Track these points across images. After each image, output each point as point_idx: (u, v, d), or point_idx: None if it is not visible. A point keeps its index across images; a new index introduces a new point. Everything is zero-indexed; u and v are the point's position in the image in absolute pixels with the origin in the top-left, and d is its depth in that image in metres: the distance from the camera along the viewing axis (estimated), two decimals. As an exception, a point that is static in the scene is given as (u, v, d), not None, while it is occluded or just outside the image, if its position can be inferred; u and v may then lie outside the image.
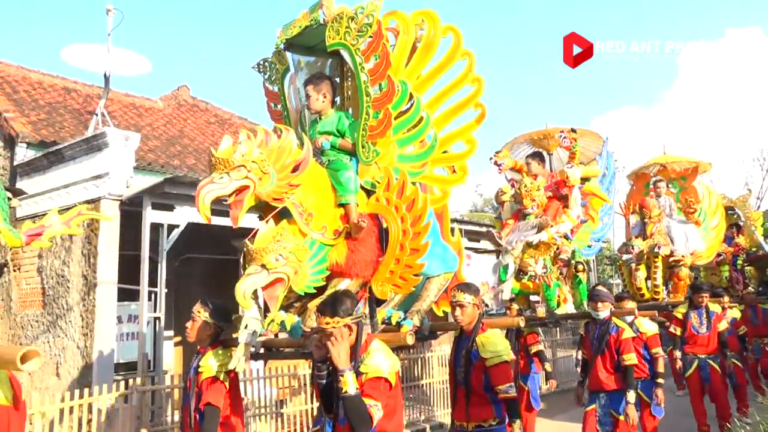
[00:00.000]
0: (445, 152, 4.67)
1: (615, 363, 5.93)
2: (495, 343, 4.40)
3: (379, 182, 4.47)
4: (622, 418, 5.80)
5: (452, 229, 5.52)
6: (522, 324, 4.96)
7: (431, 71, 4.63)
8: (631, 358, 5.87)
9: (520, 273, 6.99)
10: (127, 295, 9.23)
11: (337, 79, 4.99)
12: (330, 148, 4.61)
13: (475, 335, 4.48)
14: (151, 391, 7.28)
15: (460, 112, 4.60)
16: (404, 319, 4.56)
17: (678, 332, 8.44)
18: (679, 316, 8.54)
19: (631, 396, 5.78)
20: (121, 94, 14.58)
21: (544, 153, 8.24)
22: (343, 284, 4.27)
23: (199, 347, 4.47)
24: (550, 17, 63.07)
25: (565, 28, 63.22)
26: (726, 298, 9.47)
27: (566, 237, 7.25)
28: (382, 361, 3.32)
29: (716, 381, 8.18)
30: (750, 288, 10.86)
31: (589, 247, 8.23)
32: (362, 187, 4.54)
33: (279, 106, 5.02)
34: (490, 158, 7.86)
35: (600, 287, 6.23)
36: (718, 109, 52.44)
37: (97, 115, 11.00)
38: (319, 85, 4.68)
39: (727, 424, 8.02)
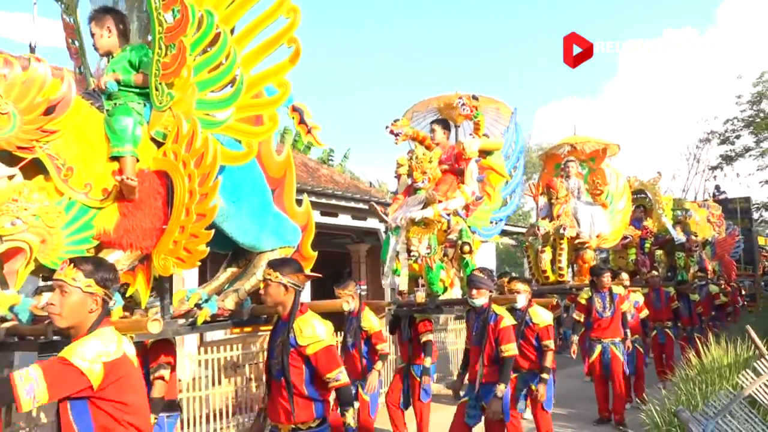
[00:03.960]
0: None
1: (495, 354, 4.92)
2: (312, 326, 3.35)
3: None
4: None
5: (299, 199, 4.45)
6: (346, 307, 3.91)
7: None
8: (509, 349, 4.85)
9: (407, 253, 5.93)
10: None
11: None
12: (120, 88, 3.47)
13: (292, 320, 3.42)
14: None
15: (271, 49, 3.47)
16: (207, 300, 3.49)
17: (581, 318, 7.53)
18: (583, 301, 7.63)
19: (500, 390, 4.78)
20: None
21: (453, 123, 7.11)
22: (112, 257, 3.14)
23: None
24: (498, 9, 61.42)
25: (509, 20, 61.68)
26: (624, 275, 8.58)
27: (457, 214, 6.19)
28: (81, 347, 2.29)
29: (616, 367, 7.31)
30: (654, 272, 10.00)
31: (490, 226, 7.11)
32: (153, 139, 3.42)
33: (76, 42, 3.84)
34: (386, 127, 6.71)
35: (477, 272, 5.17)
36: (653, 105, 52.34)
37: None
38: (102, 20, 3.60)
39: (618, 418, 7.25)
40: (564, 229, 8.56)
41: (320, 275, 3.67)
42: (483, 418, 4.96)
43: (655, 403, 5.51)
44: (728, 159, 23.75)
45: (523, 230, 12.00)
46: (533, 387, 5.73)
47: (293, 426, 3.36)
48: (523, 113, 57.90)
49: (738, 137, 23.06)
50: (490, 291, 5.03)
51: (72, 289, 2.37)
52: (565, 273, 8.73)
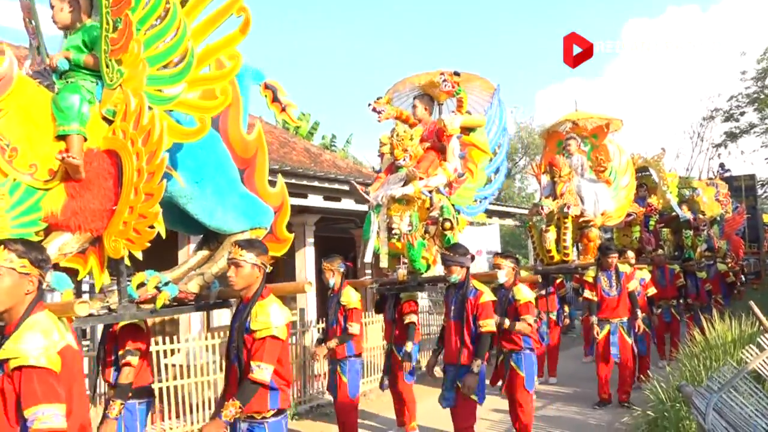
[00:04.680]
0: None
1: (473, 332, 4.67)
2: (268, 313, 3.16)
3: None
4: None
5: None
6: (308, 289, 3.68)
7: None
8: (487, 325, 4.61)
9: (389, 231, 5.70)
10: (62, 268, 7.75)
11: None
12: (72, 68, 3.26)
13: (254, 303, 3.23)
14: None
15: (221, 21, 3.21)
16: (167, 284, 3.28)
17: (593, 297, 7.23)
18: (590, 280, 7.35)
19: (476, 365, 4.55)
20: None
21: (436, 101, 6.71)
22: (59, 240, 2.95)
23: None
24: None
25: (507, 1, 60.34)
26: (630, 254, 8.27)
27: (439, 192, 5.93)
28: (25, 344, 2.19)
29: (624, 348, 7.04)
30: (659, 250, 9.62)
31: (474, 204, 6.76)
32: (106, 118, 3.21)
33: (33, 21, 3.62)
34: (369, 104, 6.44)
35: (446, 250, 4.89)
36: (656, 84, 51.02)
37: (23, 78, 9.36)
38: None
39: (624, 397, 6.95)
40: (568, 207, 8.24)
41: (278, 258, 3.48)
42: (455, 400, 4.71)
43: (660, 380, 5.36)
44: (732, 136, 23.14)
45: (527, 211, 11.64)
46: (514, 366, 5.42)
47: (247, 415, 3.16)
48: (524, 95, 56.79)
49: (742, 114, 22.43)
50: (462, 266, 4.72)
51: (6, 270, 2.27)
52: (570, 252, 8.42)
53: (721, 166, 17.87)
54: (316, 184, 9.21)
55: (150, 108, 3.02)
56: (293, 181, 8.82)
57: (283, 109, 4.13)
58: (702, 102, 37.69)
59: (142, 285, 3.28)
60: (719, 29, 46.04)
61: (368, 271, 11.60)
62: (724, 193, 13.73)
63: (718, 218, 12.90)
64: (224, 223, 3.65)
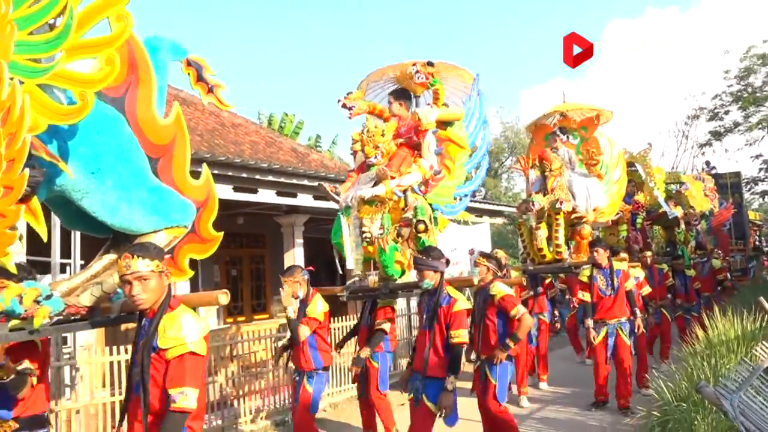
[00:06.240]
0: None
1: (445, 341, 4.03)
2: (179, 325, 2.50)
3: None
4: (431, 406, 3.93)
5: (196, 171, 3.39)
6: (223, 300, 2.93)
7: None
8: (459, 336, 3.96)
9: (360, 235, 4.99)
10: (37, 268, 6.87)
11: None
12: None
13: (160, 317, 2.55)
14: (67, 366, 5.61)
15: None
16: (49, 297, 2.54)
17: (587, 298, 6.52)
18: (585, 279, 6.63)
19: (450, 382, 3.88)
20: None
21: (413, 93, 6.02)
22: None
23: None
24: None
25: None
26: (623, 255, 7.54)
27: (414, 191, 5.22)
28: None
29: (623, 350, 6.33)
30: (647, 252, 8.80)
31: (453, 203, 5.92)
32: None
33: None
34: (339, 101, 5.77)
35: (418, 253, 4.27)
36: (639, 83, 50.05)
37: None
38: None
39: (623, 403, 6.22)
40: (560, 203, 7.42)
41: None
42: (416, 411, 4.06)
43: (665, 379, 4.96)
44: (717, 135, 22.33)
45: (516, 209, 10.84)
46: (486, 372, 4.76)
47: None
48: (508, 95, 55.75)
49: (727, 113, 21.58)
50: (436, 271, 4.08)
51: None
52: (563, 250, 7.62)
53: (707, 163, 17.20)
54: (305, 183, 8.56)
55: (11, 79, 2.25)
56: (282, 180, 8.18)
57: (210, 90, 3.40)
58: (686, 101, 36.84)
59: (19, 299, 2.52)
60: (698, 30, 45.23)
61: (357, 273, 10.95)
62: (710, 187, 13.00)
63: (707, 213, 12.15)
64: (130, 221, 2.90)
